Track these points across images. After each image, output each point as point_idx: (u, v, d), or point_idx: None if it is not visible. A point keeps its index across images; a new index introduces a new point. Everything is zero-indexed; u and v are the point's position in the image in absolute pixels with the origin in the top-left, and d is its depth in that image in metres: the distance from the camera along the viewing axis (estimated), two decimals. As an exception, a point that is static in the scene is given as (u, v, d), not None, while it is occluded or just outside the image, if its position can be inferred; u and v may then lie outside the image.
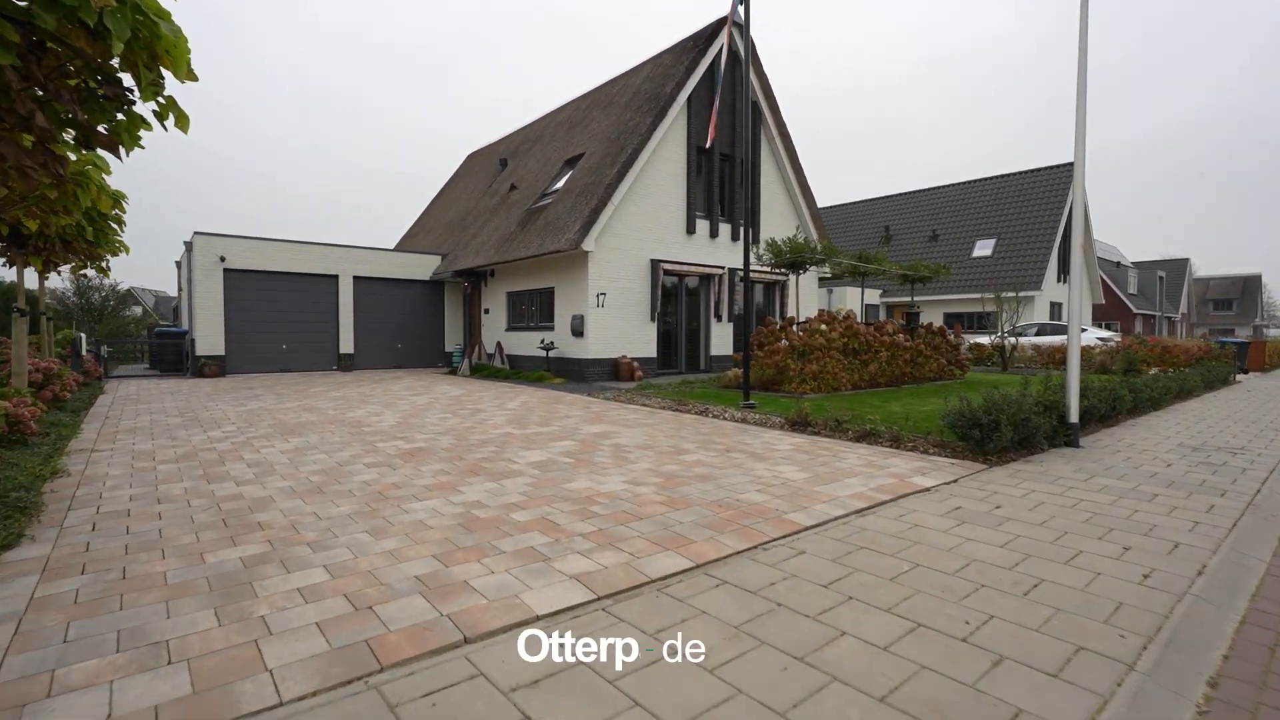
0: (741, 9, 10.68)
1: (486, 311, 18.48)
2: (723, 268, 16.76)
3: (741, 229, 17.46)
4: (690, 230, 16.15)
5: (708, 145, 9.96)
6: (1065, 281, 31.29)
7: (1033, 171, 31.06)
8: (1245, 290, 70.13)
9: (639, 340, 15.22)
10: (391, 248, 18.69)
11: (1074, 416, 6.97)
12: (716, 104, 10.32)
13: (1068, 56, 7.99)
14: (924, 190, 35.04)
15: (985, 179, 32.77)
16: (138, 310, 53.15)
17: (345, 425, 8.06)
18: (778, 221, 18.42)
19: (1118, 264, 47.16)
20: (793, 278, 18.90)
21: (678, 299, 16.23)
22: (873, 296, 31.49)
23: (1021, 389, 6.92)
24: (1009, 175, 31.87)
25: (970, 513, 4.40)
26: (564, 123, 20.31)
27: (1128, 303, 43.76)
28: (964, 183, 33.52)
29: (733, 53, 16.86)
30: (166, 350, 16.68)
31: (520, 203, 17.93)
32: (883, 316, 31.71)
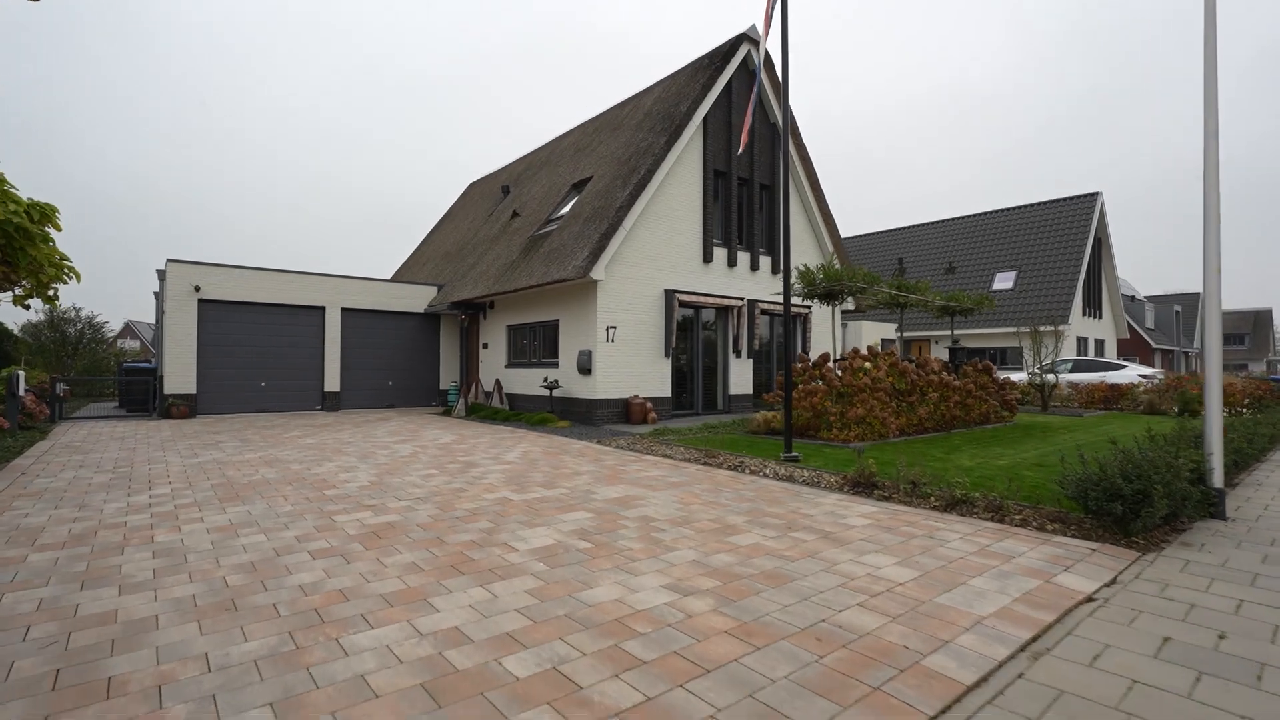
0: (760, 26, 9.57)
1: (485, 346, 17.11)
2: (742, 299, 15.44)
3: (777, 255, 16.25)
4: (707, 259, 14.89)
5: (739, 151, 8.74)
6: (1091, 315, 30.06)
7: (1053, 202, 30.13)
8: (1257, 325, 69.04)
9: (652, 378, 13.80)
10: (385, 278, 17.46)
11: (1219, 479, 5.51)
12: (753, 103, 9.10)
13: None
14: (938, 222, 34.10)
15: (1003, 210, 31.83)
16: (135, 345, 51.86)
17: (306, 486, 6.57)
18: (799, 250, 17.19)
19: (1133, 298, 46.07)
20: (818, 310, 17.60)
21: (693, 333, 14.87)
22: (889, 332, 30.21)
23: (1152, 443, 5.45)
24: (1029, 206, 30.94)
25: (1187, 648, 2.90)
26: (569, 148, 19.29)
27: (1146, 338, 42.47)
28: (981, 214, 32.59)
29: (751, 72, 15.89)
30: (135, 388, 15.25)
31: (523, 230, 16.74)
32: (899, 351, 30.34)
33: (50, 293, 9.93)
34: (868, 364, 10.21)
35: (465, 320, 17.42)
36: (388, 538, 4.69)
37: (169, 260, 14.14)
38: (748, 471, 7.61)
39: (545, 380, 13.73)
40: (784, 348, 9.37)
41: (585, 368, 12.96)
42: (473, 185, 26.90)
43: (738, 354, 15.61)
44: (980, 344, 29.10)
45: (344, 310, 16.64)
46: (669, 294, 13.97)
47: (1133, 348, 41.74)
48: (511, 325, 15.95)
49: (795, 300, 17.08)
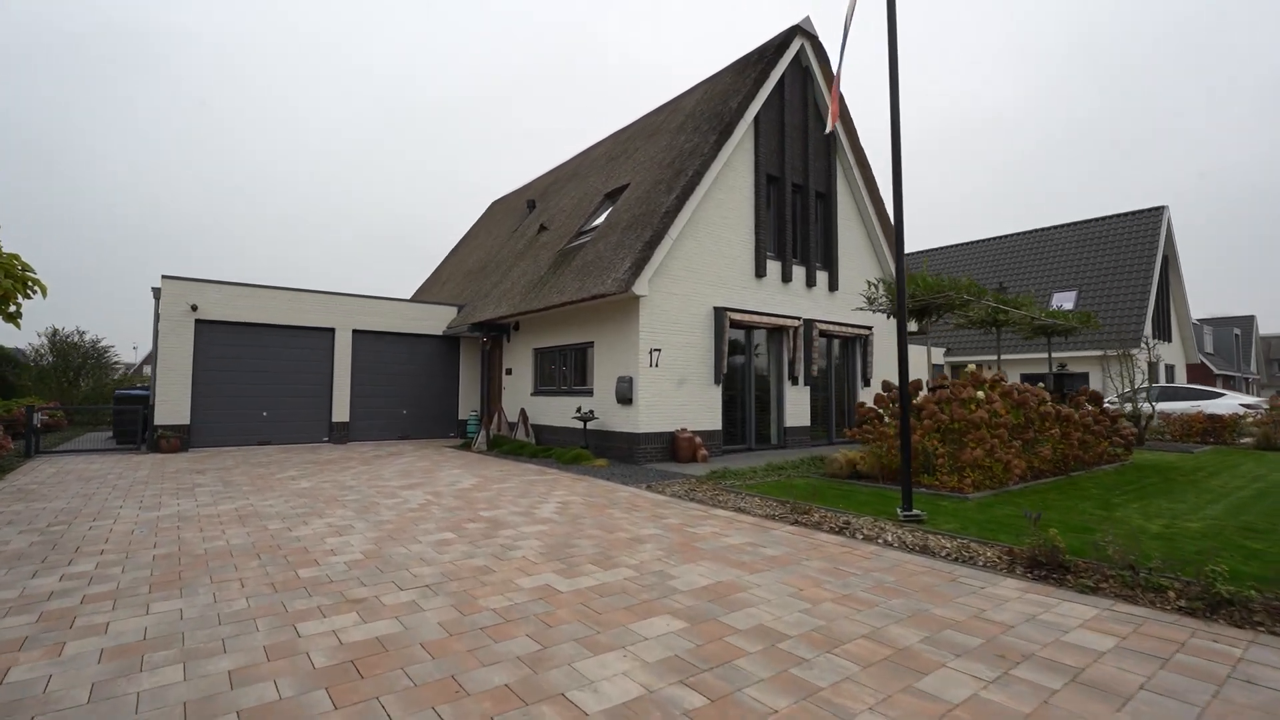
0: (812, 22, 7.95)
1: (508, 372, 15.48)
2: (798, 319, 13.66)
3: (834, 271, 14.50)
4: (760, 273, 13.18)
5: (828, 131, 7.14)
6: (1160, 339, 27.73)
7: (1115, 218, 28.11)
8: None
9: (700, 408, 12.00)
10: (400, 297, 16.02)
11: None
12: (840, 67, 7.40)
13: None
14: (986, 240, 32.16)
15: (1060, 226, 29.88)
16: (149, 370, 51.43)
17: (278, 560, 4.86)
18: (856, 264, 15.43)
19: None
20: (880, 329, 15.76)
21: (744, 357, 13.09)
22: (936, 356, 28.16)
23: None
24: (1088, 222, 28.96)
25: None
26: (601, 157, 17.86)
27: (1207, 363, 39.71)
28: (1034, 230, 30.62)
29: (804, 69, 14.35)
30: (126, 418, 13.82)
31: (552, 244, 15.21)
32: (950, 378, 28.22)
33: (11, 309, 8.55)
34: (979, 393, 8.32)
35: (487, 343, 15.84)
36: (373, 676, 2.93)
37: (164, 277, 12.78)
38: (860, 537, 5.76)
39: (578, 411, 12.00)
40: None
41: (625, 397, 11.22)
42: (495, 203, 25.64)
43: (794, 381, 13.77)
44: (1037, 369, 26.89)
45: (355, 332, 15.16)
46: (719, 312, 12.25)
47: (1196, 373, 39.04)
48: (539, 349, 14.31)
49: (851, 321, 15.26)
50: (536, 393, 14.27)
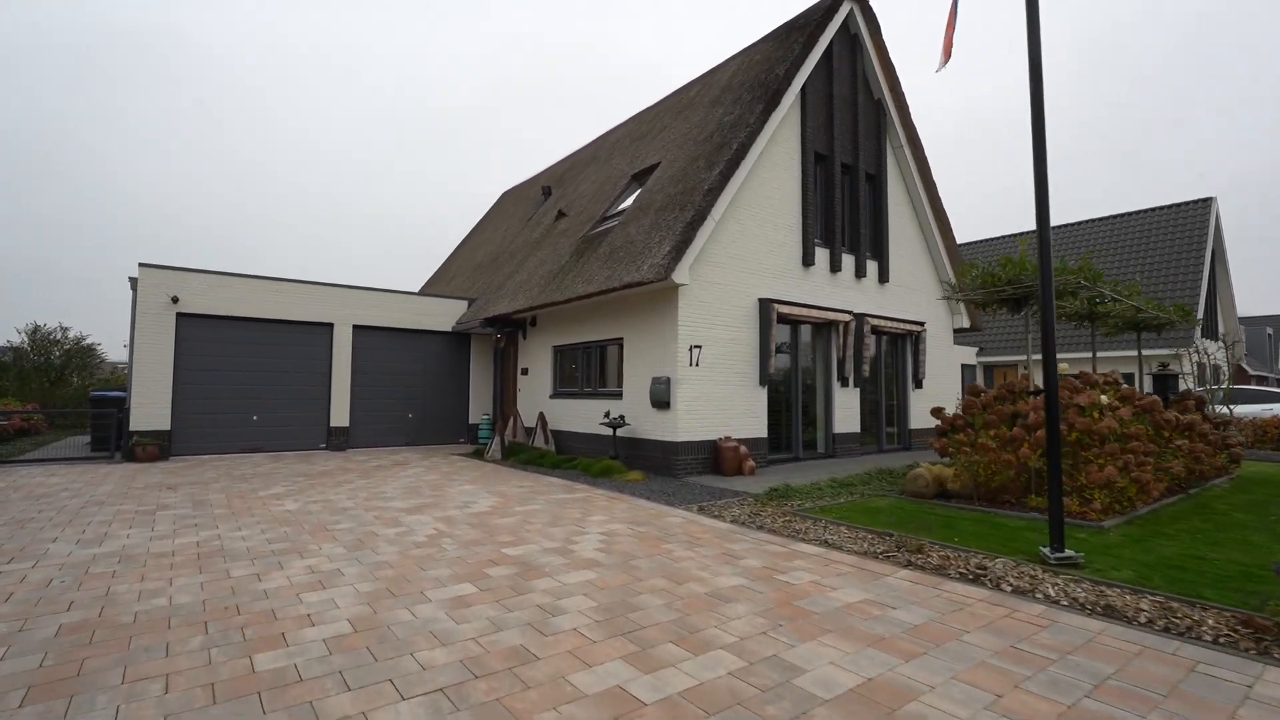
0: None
1: (524, 372, 14.08)
2: (849, 313, 12.22)
3: (885, 261, 13.04)
4: (807, 261, 11.75)
5: (938, 70, 5.79)
6: (1209, 338, 26.13)
7: (1160, 210, 26.53)
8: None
9: (744, 413, 10.59)
10: (406, 290, 14.65)
11: None
12: (953, 6, 5.98)
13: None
14: (1017, 234, 30.54)
15: (1100, 219, 28.35)
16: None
17: (233, 632, 3.47)
18: (906, 255, 13.98)
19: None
20: (933, 326, 14.31)
21: (792, 356, 11.66)
22: (967, 356, 26.65)
23: None
24: (1131, 214, 27.40)
25: None
26: (624, 138, 16.46)
27: (1243, 364, 38.04)
28: (1072, 224, 29.08)
29: (852, 36, 12.93)
30: (103, 422, 12.48)
31: (572, 230, 13.81)
32: (981, 380, 26.73)
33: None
34: (1103, 397, 6.87)
35: (501, 340, 14.46)
36: None
37: (141, 265, 11.45)
38: (1009, 589, 4.35)
39: (607, 416, 10.58)
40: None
41: (661, 400, 9.80)
42: (506, 194, 24.28)
43: (843, 382, 12.34)
44: (1083, 369, 25.28)
45: (356, 328, 13.80)
46: (765, 305, 10.82)
47: (1235, 375, 37.37)
48: (559, 346, 12.91)
49: (904, 316, 13.82)
50: (556, 395, 12.87)
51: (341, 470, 10.28)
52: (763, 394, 10.93)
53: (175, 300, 11.67)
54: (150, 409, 11.40)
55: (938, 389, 14.79)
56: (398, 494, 7.98)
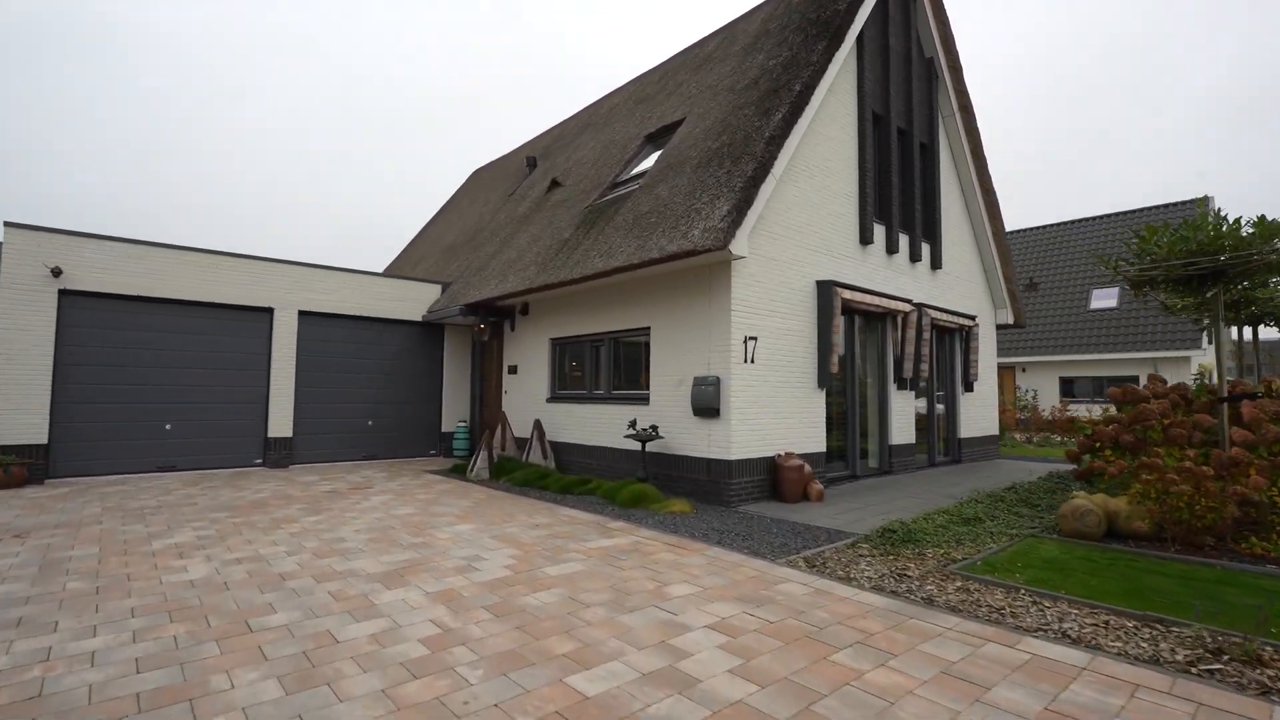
0: None
1: (512, 371, 11.69)
2: (909, 303, 10.33)
3: (937, 245, 11.12)
4: (865, 239, 9.80)
5: None
6: (1209, 341, 25.60)
7: (1156, 209, 25.89)
8: None
9: (803, 422, 8.53)
10: (367, 270, 12.00)
11: None
12: None
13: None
14: (1012, 232, 29.66)
15: (1094, 218, 27.65)
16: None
17: None
18: (952, 238, 12.21)
19: (1191, 325, 42.23)
20: (984, 322, 12.48)
21: (848, 352, 9.67)
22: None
23: None
24: (1125, 213, 26.71)
25: None
26: (624, 102, 14.23)
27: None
28: (1066, 223, 28.30)
29: (907, -21, 11.06)
30: (-41, 432, 9.48)
31: (572, 201, 11.51)
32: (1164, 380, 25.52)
33: None
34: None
35: (484, 332, 12.01)
36: None
37: (7, 224, 8.60)
38: None
39: (633, 427, 8.33)
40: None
41: (708, 406, 7.63)
42: (480, 171, 21.67)
43: (899, 384, 10.43)
44: (1079, 372, 24.46)
45: (303, 315, 11.14)
46: (826, 288, 8.80)
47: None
48: (559, 339, 10.59)
49: (957, 308, 12.05)
50: (555, 399, 10.53)
51: (281, 499, 7.72)
52: (821, 399, 8.90)
53: (57, 273, 8.85)
54: (16, 416, 8.56)
55: (987, 392, 13.11)
56: (362, 542, 5.55)
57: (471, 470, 9.69)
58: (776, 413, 8.13)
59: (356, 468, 10.85)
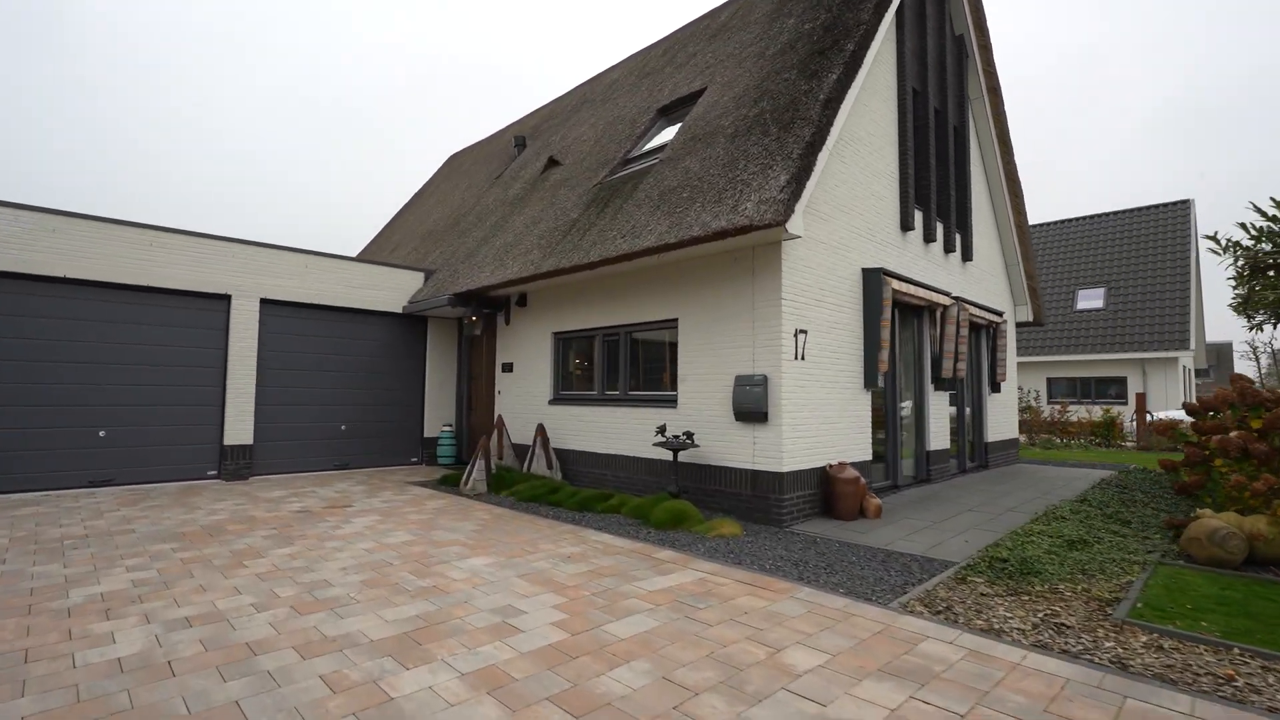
0: None
1: (507, 369, 10.45)
2: (948, 295, 9.49)
3: (969, 235, 10.28)
4: (906, 225, 8.91)
5: None
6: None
7: (1139, 210, 25.98)
8: (1219, 359, 69.08)
9: (850, 428, 7.57)
10: (339, 254, 10.56)
11: None
12: None
13: None
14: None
15: (1078, 219, 27.60)
16: None
17: None
18: (980, 228, 11.47)
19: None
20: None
21: (891, 347, 8.75)
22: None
23: None
24: (1109, 215, 26.76)
25: None
26: (626, 77, 13.10)
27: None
28: (1049, 224, 28.20)
29: (941, -53, 10.23)
30: None
31: (576, 180, 10.33)
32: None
33: None
34: None
35: (475, 324, 10.72)
36: None
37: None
38: None
39: (662, 434, 7.20)
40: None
41: (754, 409, 6.58)
42: (458, 154, 20.21)
43: (936, 384, 9.59)
44: (1069, 373, 24.30)
45: (265, 304, 9.70)
46: (873, 277, 7.86)
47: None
48: (563, 334, 9.41)
49: (987, 303, 11.30)
50: (559, 400, 9.35)
51: (243, 522, 6.37)
52: (866, 401, 7.95)
53: (-43, 247, 7.27)
54: (-93, 422, 6.97)
55: (1008, 393, 12.42)
56: (354, 587, 4.31)
57: (466, 483, 8.43)
58: (825, 417, 7.14)
59: (328, 479, 9.46)
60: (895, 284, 8.00)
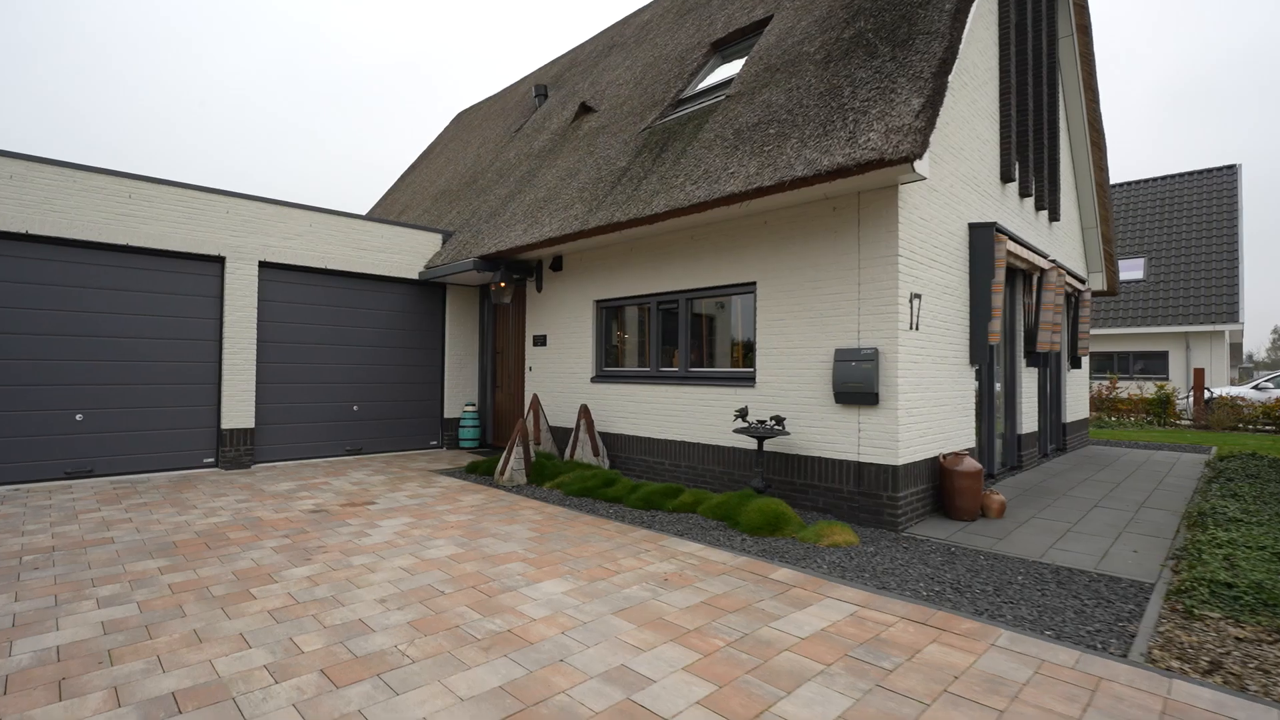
0: None
1: (539, 342, 9.29)
2: (1046, 257, 8.32)
3: (1057, 194, 9.24)
4: (1007, 176, 7.70)
5: None
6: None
7: (1183, 176, 24.64)
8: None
9: (956, 410, 6.46)
10: (349, 212, 9.28)
11: None
12: None
13: None
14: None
15: (1116, 186, 26.21)
16: None
17: None
18: (1063, 185, 10.23)
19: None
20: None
21: (1003, 315, 7.60)
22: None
23: None
24: (1150, 181, 25.39)
25: None
26: (664, 16, 11.68)
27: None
28: (1087, 190, 26.72)
29: None
30: None
31: (616, 126, 9.04)
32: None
33: None
34: None
35: (505, 290, 9.51)
36: None
37: None
38: None
39: (744, 418, 6.06)
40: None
41: (860, 389, 5.46)
42: (465, 113, 18.71)
43: (1029, 359, 8.49)
44: (1111, 347, 23.21)
45: (265, 268, 8.48)
46: (983, 233, 6.69)
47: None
48: (609, 301, 8.23)
49: (1073, 269, 10.15)
50: (602, 378, 8.21)
51: (247, 526, 5.27)
52: (970, 378, 6.84)
53: (-107, 194, 6.03)
54: None
55: (1082, 369, 11.33)
56: (401, 634, 3.22)
57: (503, 472, 7.33)
58: (936, 399, 6.03)
59: (341, 467, 8.36)
60: (1010, 244, 6.82)
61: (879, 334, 5.47)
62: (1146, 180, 25.66)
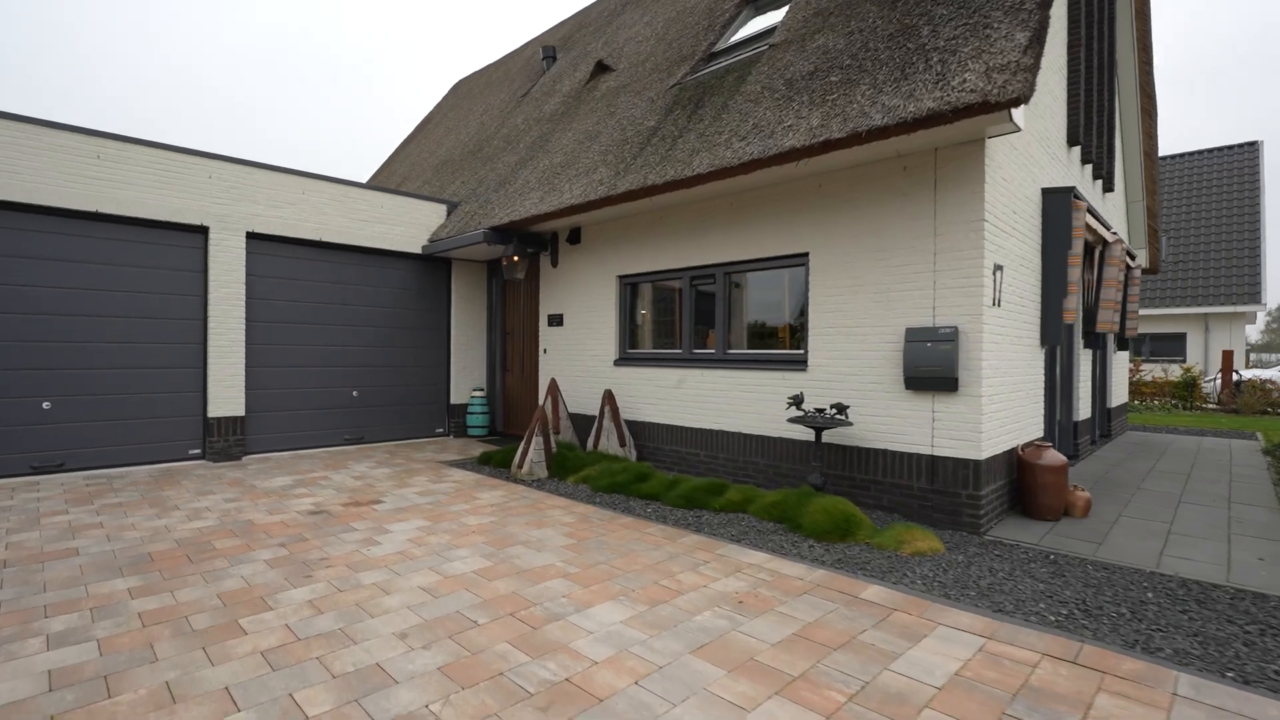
0: None
1: (554, 322, 8.56)
2: (1112, 231, 7.64)
3: (1110, 166, 8.51)
4: (1074, 139, 6.99)
5: None
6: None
7: (1204, 153, 23.94)
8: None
9: (1027, 396, 5.81)
10: (347, 179, 8.47)
11: None
12: None
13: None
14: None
15: (1135, 162, 25.33)
16: None
17: None
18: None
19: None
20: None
21: (1079, 292, 6.93)
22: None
23: None
24: (1168, 158, 24.66)
25: None
26: (682, -31, 10.79)
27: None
28: (1103, 167, 25.97)
29: None
30: None
31: (638, 85, 8.24)
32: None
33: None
34: None
35: (518, 265, 8.74)
36: None
37: None
38: None
39: (798, 406, 5.37)
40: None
41: (938, 374, 4.79)
42: (464, 81, 17.73)
43: (1086, 340, 7.86)
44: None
45: (253, 238, 7.69)
46: (1059, 200, 5.99)
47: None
48: (634, 276, 7.50)
49: (1127, 244, 9.46)
50: (627, 360, 7.51)
51: (236, 533, 4.58)
52: (1041, 360, 6.19)
53: None
54: None
55: (1126, 352, 10.70)
56: (432, 688, 2.55)
57: (521, 465, 6.65)
58: (1014, 383, 5.37)
59: (341, 459, 7.66)
60: (1086, 214, 6.13)
61: (959, 310, 4.78)
62: (1166, 157, 24.92)
